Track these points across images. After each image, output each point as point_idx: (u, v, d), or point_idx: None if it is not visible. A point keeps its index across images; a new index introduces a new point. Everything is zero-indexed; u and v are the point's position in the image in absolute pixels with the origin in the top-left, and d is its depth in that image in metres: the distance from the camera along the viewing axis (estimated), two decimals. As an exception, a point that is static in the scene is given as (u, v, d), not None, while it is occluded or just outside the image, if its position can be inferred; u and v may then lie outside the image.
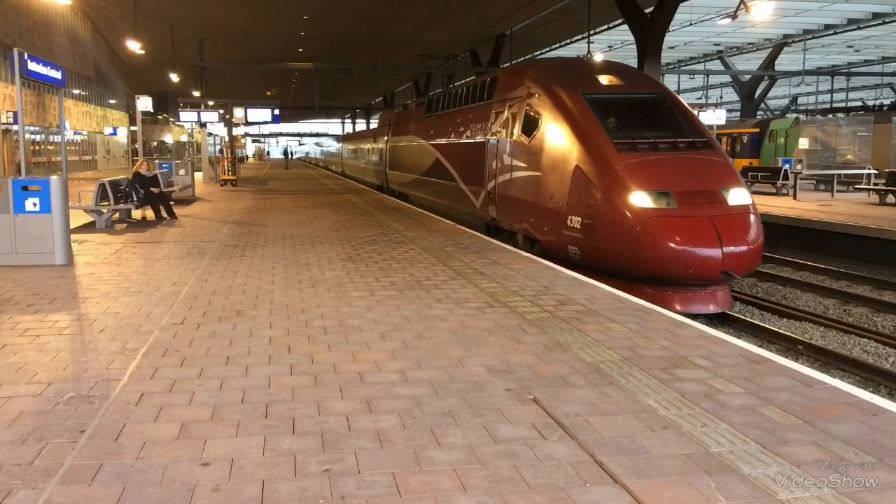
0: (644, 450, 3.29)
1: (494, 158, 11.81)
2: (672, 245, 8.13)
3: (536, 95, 10.64)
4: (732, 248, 8.13)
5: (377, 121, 34.46)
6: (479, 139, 12.92)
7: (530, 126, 10.54)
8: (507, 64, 29.95)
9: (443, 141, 15.85)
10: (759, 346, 5.87)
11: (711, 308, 8.61)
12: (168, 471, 3.04)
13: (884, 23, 29.46)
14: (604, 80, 10.69)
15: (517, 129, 10.91)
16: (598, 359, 4.70)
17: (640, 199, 8.49)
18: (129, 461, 3.13)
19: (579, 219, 9.04)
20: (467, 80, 20.61)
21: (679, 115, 10.08)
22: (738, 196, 8.82)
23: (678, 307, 8.24)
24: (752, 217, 8.66)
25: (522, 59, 28.84)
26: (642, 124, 9.86)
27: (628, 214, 8.45)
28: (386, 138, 24.15)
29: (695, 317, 7.56)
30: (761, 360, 4.71)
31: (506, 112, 11.57)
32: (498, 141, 11.72)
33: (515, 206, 10.93)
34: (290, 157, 69.77)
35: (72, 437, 3.39)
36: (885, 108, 31.80)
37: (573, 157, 9.35)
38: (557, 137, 9.84)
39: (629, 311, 6.06)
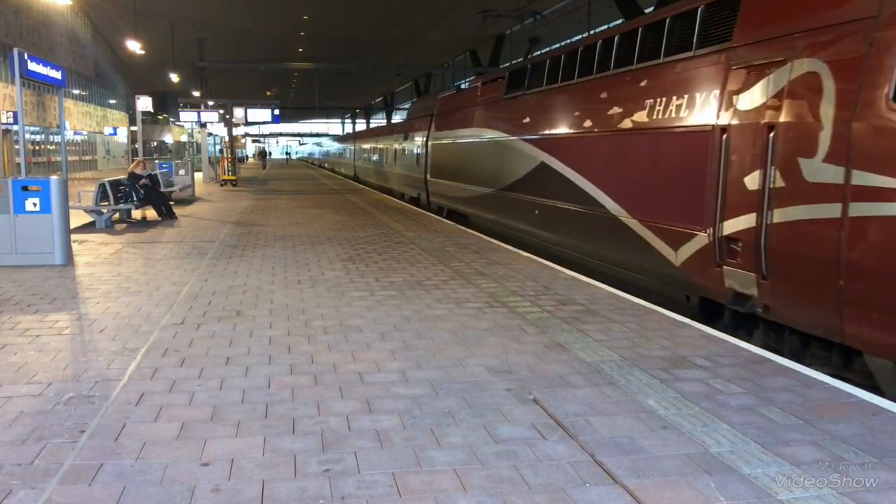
0: (644, 450, 3.29)
1: (761, 166, 5.59)
2: None
3: None
4: None
5: (407, 111, 26.43)
6: (687, 126, 6.71)
7: None
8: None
9: (568, 131, 9.56)
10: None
11: None
12: (168, 471, 3.04)
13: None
14: None
15: (884, 101, 4.58)
16: (598, 359, 4.70)
17: None
18: (129, 461, 3.13)
19: None
20: (621, 23, 13.10)
21: None
22: None
23: None
24: None
25: (522, 59, 25.09)
26: None
27: None
28: (425, 133, 18.15)
29: (694, 317, 6.28)
30: (761, 360, 4.71)
31: (791, 70, 5.39)
32: (773, 132, 5.48)
33: (862, 282, 4.74)
34: (266, 157, 63.72)
35: (72, 437, 3.39)
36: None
37: None
38: None
39: (629, 311, 6.06)
